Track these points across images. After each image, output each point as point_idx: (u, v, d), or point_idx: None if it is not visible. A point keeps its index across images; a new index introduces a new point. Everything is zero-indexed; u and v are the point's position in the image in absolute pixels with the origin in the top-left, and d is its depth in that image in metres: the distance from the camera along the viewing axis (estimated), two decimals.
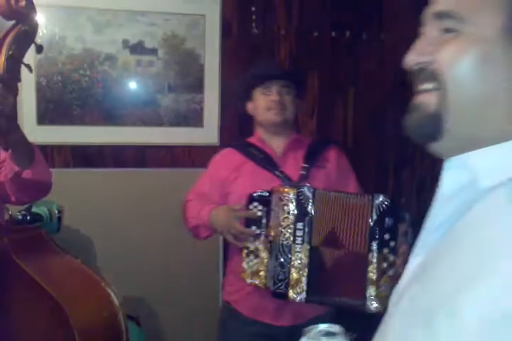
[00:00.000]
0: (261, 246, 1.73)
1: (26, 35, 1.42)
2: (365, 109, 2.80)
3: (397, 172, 2.89)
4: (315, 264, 1.66)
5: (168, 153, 2.61)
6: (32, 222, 2.23)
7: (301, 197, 1.67)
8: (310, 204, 1.67)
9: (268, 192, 1.74)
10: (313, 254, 1.66)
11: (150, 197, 2.52)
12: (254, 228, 1.74)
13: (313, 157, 1.91)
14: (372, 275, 1.61)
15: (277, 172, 1.86)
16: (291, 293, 1.66)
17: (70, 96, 2.47)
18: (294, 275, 1.66)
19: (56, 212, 2.34)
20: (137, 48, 2.53)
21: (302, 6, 2.70)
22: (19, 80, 1.43)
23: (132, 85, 2.55)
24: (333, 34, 2.73)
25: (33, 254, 1.39)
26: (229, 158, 1.95)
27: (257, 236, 1.74)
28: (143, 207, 2.51)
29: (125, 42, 2.52)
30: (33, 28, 1.43)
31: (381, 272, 1.61)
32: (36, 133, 2.35)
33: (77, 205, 2.36)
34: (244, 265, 1.75)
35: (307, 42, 2.72)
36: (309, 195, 1.68)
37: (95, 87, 2.49)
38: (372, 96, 2.79)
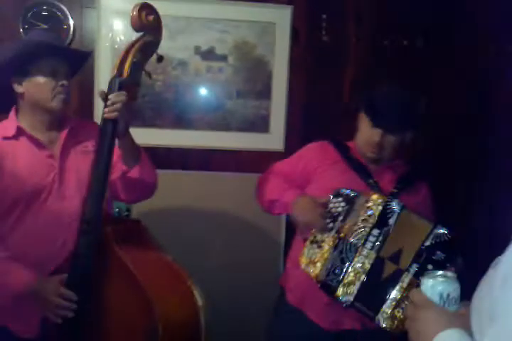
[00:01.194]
0: (327, 239, 1.74)
1: (150, 46, 1.58)
2: (441, 120, 2.68)
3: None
4: (373, 273, 1.66)
5: (233, 157, 2.66)
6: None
7: (388, 207, 1.69)
8: (393, 217, 1.68)
9: (356, 192, 1.75)
10: (376, 264, 1.66)
11: (214, 200, 2.57)
12: (328, 221, 1.75)
13: (405, 183, 1.87)
14: (397, 293, 1.61)
15: (370, 181, 1.84)
16: (339, 291, 1.68)
17: (144, 99, 2.56)
18: (351, 275, 1.68)
19: (125, 211, 2.44)
20: (208, 54, 2.60)
21: (373, 13, 2.69)
22: (139, 85, 1.58)
23: (202, 90, 2.62)
24: (405, 42, 2.69)
25: (131, 245, 1.51)
26: (325, 151, 1.92)
27: (327, 229, 1.75)
28: (207, 209, 2.56)
29: (197, 49, 2.60)
30: (157, 40, 1.60)
31: (405, 296, 1.59)
32: None
33: (145, 205, 2.43)
34: (305, 251, 1.77)
35: (378, 50, 2.70)
36: (397, 209, 1.69)
37: (167, 91, 2.58)
38: (448, 106, 2.67)
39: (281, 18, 2.64)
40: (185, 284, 1.45)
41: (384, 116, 1.75)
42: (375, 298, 1.64)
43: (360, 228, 1.70)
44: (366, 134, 1.81)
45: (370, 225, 1.69)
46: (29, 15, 2.47)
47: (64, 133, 1.71)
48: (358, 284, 1.66)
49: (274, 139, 2.64)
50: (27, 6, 2.47)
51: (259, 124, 2.65)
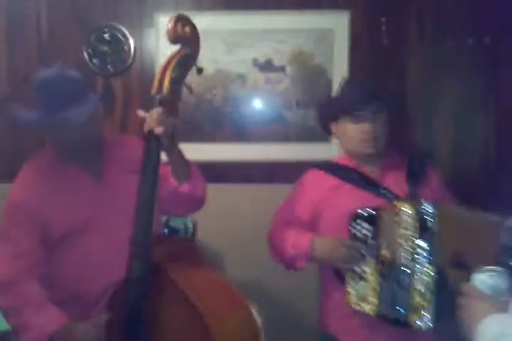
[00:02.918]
0: (368, 268, 1.62)
1: (189, 58, 1.53)
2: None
3: None
4: (440, 287, 1.52)
5: (296, 168, 2.61)
6: (169, 236, 2.36)
7: (422, 212, 1.54)
8: (432, 220, 1.53)
9: (374, 209, 1.63)
10: (438, 276, 1.52)
11: None
12: (360, 248, 1.63)
13: (415, 175, 1.77)
14: None
15: (382, 191, 1.72)
16: (412, 319, 1.53)
17: (203, 115, 2.59)
18: (417, 299, 1.53)
19: (190, 226, 2.46)
20: (266, 66, 2.59)
21: (435, 13, 2.58)
22: (179, 100, 1.54)
23: (261, 103, 2.61)
24: (470, 41, 2.55)
25: (184, 266, 1.44)
26: (320, 181, 1.81)
27: (364, 258, 1.62)
28: (271, 223, 2.53)
29: (255, 61, 2.59)
30: (195, 52, 1.55)
31: None
32: None
33: (208, 219, 2.44)
34: (350, 289, 1.64)
35: (441, 52, 2.58)
36: (431, 210, 1.53)
37: (226, 105, 2.59)
38: None
39: (339, 24, 2.58)
40: (242, 305, 1.39)
41: (357, 102, 1.74)
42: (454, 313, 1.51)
43: (402, 246, 1.55)
44: (354, 134, 1.75)
45: (412, 238, 1.54)
46: (92, 39, 2.57)
47: (104, 155, 1.67)
48: (427, 305, 1.52)
49: (336, 148, 2.57)
50: (90, 30, 2.57)
51: (321, 134, 2.59)
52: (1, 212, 1.64)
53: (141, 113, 1.48)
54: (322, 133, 2.57)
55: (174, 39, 1.49)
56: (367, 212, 1.63)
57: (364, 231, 1.63)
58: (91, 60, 2.58)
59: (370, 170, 1.79)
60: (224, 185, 2.57)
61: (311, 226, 1.78)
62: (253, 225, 2.54)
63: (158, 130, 1.42)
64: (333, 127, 1.84)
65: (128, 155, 1.65)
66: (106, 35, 2.58)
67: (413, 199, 1.65)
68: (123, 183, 1.60)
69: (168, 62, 1.50)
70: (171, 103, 1.49)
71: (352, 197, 1.74)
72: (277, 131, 2.60)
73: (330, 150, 2.57)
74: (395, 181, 1.77)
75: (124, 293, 1.42)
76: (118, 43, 2.58)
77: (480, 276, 1.12)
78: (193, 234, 2.44)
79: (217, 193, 2.53)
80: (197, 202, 1.71)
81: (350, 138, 1.77)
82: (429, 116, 2.61)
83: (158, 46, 2.55)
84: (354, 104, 1.75)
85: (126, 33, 2.58)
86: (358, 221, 1.64)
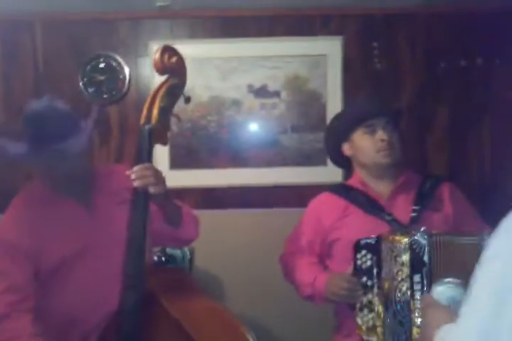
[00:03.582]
0: (375, 299, 1.58)
1: (176, 88, 1.54)
2: (505, 143, 2.56)
3: None
4: None
5: (293, 192, 2.61)
6: (166, 263, 2.34)
7: (414, 246, 1.48)
8: (426, 252, 1.48)
9: (376, 238, 1.60)
10: None
11: (278, 238, 2.52)
12: (364, 279, 1.60)
13: (424, 198, 1.76)
14: None
15: (386, 217, 1.72)
16: None
17: (199, 141, 2.60)
18: (417, 333, 1.46)
19: (188, 253, 2.43)
20: (261, 92, 2.61)
21: (427, 37, 2.62)
22: (169, 129, 1.55)
23: (257, 128, 2.63)
24: (463, 63, 2.58)
25: (177, 295, 1.44)
26: (330, 205, 1.82)
27: (369, 288, 1.60)
28: (270, 248, 2.51)
29: (250, 87, 2.61)
30: (182, 82, 1.56)
31: None
32: (169, 177, 2.48)
33: (206, 245, 2.42)
34: (359, 320, 1.61)
35: (434, 74, 2.60)
36: (423, 241, 1.48)
37: (221, 131, 2.60)
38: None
39: (332, 49, 2.61)
40: (237, 333, 1.37)
41: (366, 106, 1.84)
42: None
43: (399, 281, 1.50)
44: (370, 145, 1.76)
45: (408, 274, 1.48)
46: (87, 68, 2.59)
47: (94, 186, 1.65)
48: None
49: (332, 171, 2.57)
50: (85, 60, 2.59)
51: (316, 158, 2.60)
52: None
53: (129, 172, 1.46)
54: (318, 156, 2.61)
55: (161, 70, 1.49)
56: (368, 242, 1.61)
57: (367, 262, 1.60)
58: (86, 90, 2.60)
59: (381, 189, 1.80)
60: (221, 211, 2.57)
61: (323, 253, 1.79)
62: (251, 250, 2.53)
63: (141, 182, 1.42)
64: (346, 147, 1.84)
65: (118, 185, 1.63)
66: (101, 64, 2.60)
67: (415, 224, 1.64)
68: (114, 214, 1.59)
69: (157, 92, 1.51)
70: (160, 132, 1.50)
71: (361, 222, 1.74)
72: (273, 155, 2.61)
73: (326, 174, 2.58)
74: (404, 203, 1.76)
75: (118, 324, 1.41)
76: (113, 72, 2.60)
77: (439, 288, 1.17)
78: (191, 260, 2.42)
79: (214, 219, 2.54)
80: (188, 242, 1.76)
81: (366, 149, 1.77)
82: (424, 136, 2.63)
83: (153, 74, 2.57)
84: (368, 112, 1.78)
85: (121, 61, 2.60)
86: (361, 250, 1.62)
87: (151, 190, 1.43)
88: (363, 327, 1.60)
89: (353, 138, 1.80)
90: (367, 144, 1.77)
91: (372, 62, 2.61)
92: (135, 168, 1.45)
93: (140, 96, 2.57)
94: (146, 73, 2.60)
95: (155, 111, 1.49)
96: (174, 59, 1.50)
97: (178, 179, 2.56)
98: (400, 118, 1.89)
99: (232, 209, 2.58)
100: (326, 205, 1.84)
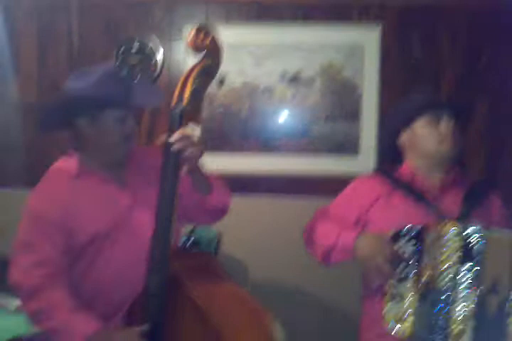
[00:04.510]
0: (408, 289, 1.54)
1: (210, 69, 1.50)
2: None
3: None
4: (481, 314, 1.44)
5: (323, 181, 2.57)
6: (191, 247, 2.32)
7: (468, 235, 1.47)
8: (479, 243, 1.45)
9: (421, 227, 1.56)
10: (481, 302, 1.44)
11: (304, 226, 2.50)
12: (401, 267, 1.56)
13: (474, 199, 1.71)
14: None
15: (432, 208, 1.67)
16: None
17: (229, 126, 2.57)
18: (456, 324, 1.45)
19: (215, 238, 2.41)
20: (294, 79, 2.57)
21: (469, 24, 2.54)
22: (201, 111, 1.51)
23: (289, 116, 2.59)
24: (503, 57, 2.50)
25: (202, 280, 1.41)
26: (374, 185, 1.78)
27: (404, 277, 1.55)
28: (295, 235, 2.48)
29: (283, 74, 2.57)
30: (217, 63, 1.51)
31: None
32: None
33: (232, 230, 2.40)
34: (387, 309, 1.56)
35: (474, 67, 2.53)
36: (479, 233, 1.46)
37: (253, 118, 2.57)
38: None
39: (370, 37, 2.55)
40: (261, 321, 1.33)
41: (433, 96, 1.87)
42: (494, 338, 1.43)
43: (445, 269, 1.47)
44: (433, 132, 1.73)
45: (456, 263, 1.46)
46: (121, 51, 2.58)
47: (129, 166, 1.65)
48: (470, 333, 1.44)
49: (364, 162, 2.52)
50: (119, 42, 2.58)
51: (349, 147, 2.55)
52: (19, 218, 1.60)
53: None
54: (351, 146, 2.55)
55: (196, 49, 1.47)
56: (412, 230, 1.56)
57: (407, 250, 1.56)
58: (120, 72, 2.59)
59: (430, 182, 1.76)
60: (248, 196, 2.54)
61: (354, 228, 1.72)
62: (276, 237, 2.50)
63: (180, 145, 1.40)
64: (405, 135, 1.80)
65: (151, 165, 1.60)
66: (135, 47, 2.59)
67: (463, 220, 1.58)
68: (147, 194, 1.56)
69: (190, 73, 1.48)
70: (191, 114, 1.47)
71: (402, 209, 1.70)
72: (305, 144, 2.57)
73: (358, 164, 2.53)
74: (453, 199, 1.72)
75: (142, 306, 1.40)
76: (147, 55, 2.59)
77: None
78: (217, 245, 2.40)
79: (241, 204, 2.51)
80: (221, 213, 1.69)
81: (428, 139, 1.74)
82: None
83: (187, 58, 2.55)
84: (436, 100, 1.78)
85: (156, 44, 2.58)
86: (402, 238, 1.57)
87: (189, 150, 1.40)
88: (391, 317, 1.56)
89: (415, 127, 1.77)
90: (430, 133, 1.74)
91: (411, 51, 2.54)
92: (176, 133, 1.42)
93: (172, 79, 2.55)
94: (179, 57, 2.59)
95: (187, 92, 1.45)
96: (209, 39, 1.47)
97: (206, 162, 2.54)
98: (465, 113, 1.85)
99: (260, 195, 2.55)
100: (369, 185, 1.80)
